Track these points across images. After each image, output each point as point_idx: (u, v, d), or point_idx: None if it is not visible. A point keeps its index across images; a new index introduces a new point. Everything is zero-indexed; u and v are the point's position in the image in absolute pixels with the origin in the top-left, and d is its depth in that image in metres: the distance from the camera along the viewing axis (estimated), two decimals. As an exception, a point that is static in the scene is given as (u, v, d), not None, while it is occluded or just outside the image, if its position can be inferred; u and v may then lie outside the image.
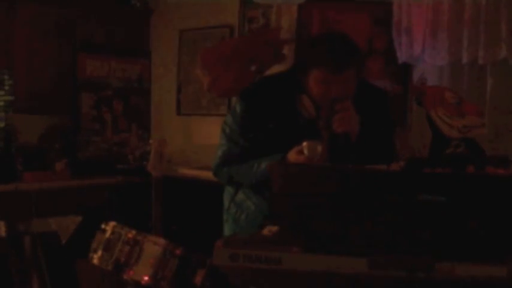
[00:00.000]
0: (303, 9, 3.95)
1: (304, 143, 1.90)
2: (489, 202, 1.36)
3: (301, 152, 1.91)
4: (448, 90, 2.13)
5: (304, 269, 1.38)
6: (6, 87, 4.38)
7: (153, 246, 1.49)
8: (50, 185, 4.23)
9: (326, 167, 1.82)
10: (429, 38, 3.53)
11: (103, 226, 1.57)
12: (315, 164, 1.86)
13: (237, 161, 2.15)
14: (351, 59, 1.97)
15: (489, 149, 2.08)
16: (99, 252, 1.53)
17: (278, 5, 4.12)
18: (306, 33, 3.96)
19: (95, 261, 1.53)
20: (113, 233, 1.54)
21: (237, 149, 2.16)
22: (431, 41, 3.53)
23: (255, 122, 2.11)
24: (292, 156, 1.96)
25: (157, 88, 5.24)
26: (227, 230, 2.31)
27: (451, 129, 1.97)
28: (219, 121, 4.68)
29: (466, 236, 1.36)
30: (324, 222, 1.40)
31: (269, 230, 1.64)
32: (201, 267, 1.45)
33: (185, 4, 4.91)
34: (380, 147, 2.05)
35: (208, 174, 4.29)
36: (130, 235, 1.52)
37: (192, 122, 4.96)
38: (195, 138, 4.90)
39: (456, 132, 1.96)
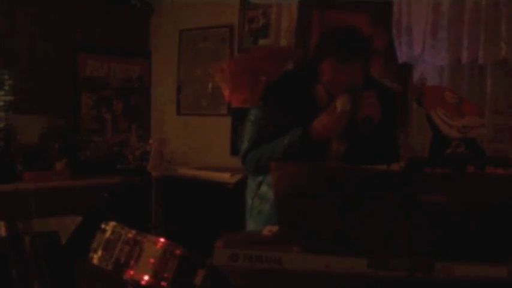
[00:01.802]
0: (303, 9, 3.95)
1: (339, 97, 2.12)
2: (489, 202, 1.36)
3: (331, 110, 2.12)
4: (448, 90, 2.14)
5: (304, 269, 1.38)
6: (6, 87, 4.38)
7: (153, 246, 1.49)
8: (50, 185, 4.23)
9: (326, 167, 1.82)
10: (429, 38, 3.53)
11: (103, 226, 1.57)
12: (315, 164, 1.86)
13: (263, 143, 2.27)
14: (358, 51, 2.12)
15: (489, 149, 2.08)
16: (99, 252, 1.53)
17: (278, 5, 4.12)
18: (306, 33, 3.96)
19: (95, 261, 1.53)
20: (113, 233, 1.54)
21: (263, 131, 2.29)
22: (431, 41, 3.53)
23: (277, 111, 2.26)
24: (321, 119, 2.14)
25: (157, 88, 5.23)
26: (251, 224, 2.41)
27: (451, 129, 1.97)
28: (219, 121, 4.74)
29: (466, 236, 1.36)
30: (324, 222, 1.40)
31: (269, 230, 1.64)
32: (201, 267, 1.45)
33: (185, 4, 4.91)
34: (386, 144, 2.20)
35: (208, 174, 4.33)
36: (130, 235, 1.52)
37: (192, 122, 4.96)
38: (195, 138, 4.90)
39: (456, 132, 1.96)
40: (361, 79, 2.16)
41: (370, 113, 2.11)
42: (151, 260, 1.47)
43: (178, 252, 1.47)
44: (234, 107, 4.39)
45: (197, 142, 4.87)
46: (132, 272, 1.48)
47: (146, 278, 1.46)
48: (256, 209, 2.37)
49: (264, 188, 2.34)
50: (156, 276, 1.46)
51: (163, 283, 1.45)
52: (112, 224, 1.56)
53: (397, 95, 2.73)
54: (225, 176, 4.10)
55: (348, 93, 2.12)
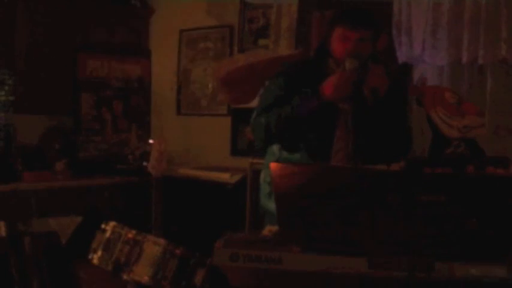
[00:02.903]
0: (302, 9, 3.95)
1: (348, 58, 2.17)
2: (489, 202, 1.36)
3: (340, 70, 2.18)
4: (448, 90, 2.13)
5: (304, 269, 1.38)
6: (6, 87, 4.38)
7: (153, 246, 1.49)
8: (50, 185, 4.23)
9: (326, 167, 1.82)
10: (429, 38, 3.53)
11: (103, 226, 1.57)
12: (314, 164, 1.86)
13: (274, 108, 2.29)
14: (368, 19, 2.22)
15: (489, 149, 2.08)
16: (99, 252, 1.53)
17: (278, 5, 4.12)
18: (306, 33, 3.96)
19: (95, 261, 1.53)
20: (113, 233, 1.54)
21: (275, 99, 2.30)
22: (431, 41, 3.53)
23: (294, 85, 2.29)
24: (330, 78, 2.18)
25: (157, 88, 5.23)
26: (269, 219, 2.35)
27: (451, 129, 1.97)
28: (219, 121, 4.74)
29: (466, 236, 1.36)
30: (324, 222, 1.40)
31: (269, 230, 1.64)
32: (201, 267, 1.45)
33: (185, 4, 4.91)
34: (394, 119, 2.25)
35: (208, 174, 4.33)
36: (130, 235, 1.52)
37: (192, 122, 4.96)
38: (195, 138, 4.90)
39: (456, 132, 1.96)
40: (369, 50, 2.22)
41: (377, 84, 2.16)
42: (151, 260, 1.47)
43: (178, 252, 1.47)
44: (233, 107, 4.43)
45: (197, 142, 4.87)
46: (132, 272, 1.48)
47: (146, 278, 1.46)
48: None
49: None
50: (156, 276, 1.46)
51: (163, 283, 1.45)
52: (112, 224, 1.56)
53: (405, 76, 2.82)
54: (225, 176, 4.10)
55: (356, 56, 2.17)
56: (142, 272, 1.46)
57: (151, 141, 2.64)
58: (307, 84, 2.24)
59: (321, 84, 2.19)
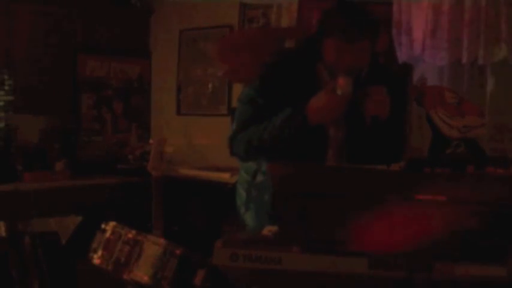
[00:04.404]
0: (303, 9, 3.95)
1: (341, 78, 1.89)
2: (489, 202, 1.36)
3: (330, 92, 1.90)
4: (448, 90, 2.13)
5: (304, 269, 1.38)
6: (6, 87, 4.38)
7: (153, 246, 1.49)
8: (50, 185, 4.23)
9: (326, 167, 1.82)
10: (429, 38, 3.53)
11: (103, 226, 1.56)
12: (315, 164, 1.86)
13: (253, 124, 2.06)
14: (365, 29, 1.95)
15: (489, 149, 2.08)
16: (99, 252, 1.53)
17: (278, 4, 4.12)
18: (306, 33, 3.95)
19: (95, 261, 1.53)
20: (113, 233, 1.53)
21: (256, 112, 2.06)
22: (431, 41, 3.53)
23: (274, 91, 2.05)
24: (318, 98, 1.92)
25: (157, 88, 5.23)
26: (250, 220, 2.26)
27: (451, 129, 1.96)
28: (219, 121, 4.74)
29: (466, 236, 1.36)
30: (324, 222, 1.40)
31: (269, 230, 1.64)
32: (201, 267, 1.45)
33: (185, 4, 4.91)
34: (392, 129, 2.03)
35: (208, 174, 4.33)
36: (130, 235, 1.52)
37: (192, 122, 4.96)
38: (195, 138, 4.90)
39: (456, 132, 1.96)
40: (367, 60, 2.00)
41: (378, 112, 1.94)
42: (151, 260, 1.47)
43: (178, 252, 1.47)
44: (233, 82, 4.38)
45: (197, 142, 4.87)
46: (132, 272, 1.48)
47: (146, 278, 1.46)
48: (254, 202, 2.22)
49: (260, 177, 2.19)
50: (156, 276, 1.46)
51: (163, 283, 1.45)
52: (112, 224, 1.56)
53: (406, 77, 2.57)
54: (225, 176, 4.10)
55: (350, 76, 1.90)
56: (142, 272, 1.46)
57: (151, 141, 2.64)
58: (291, 91, 2.01)
59: (308, 102, 1.92)
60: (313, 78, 2.04)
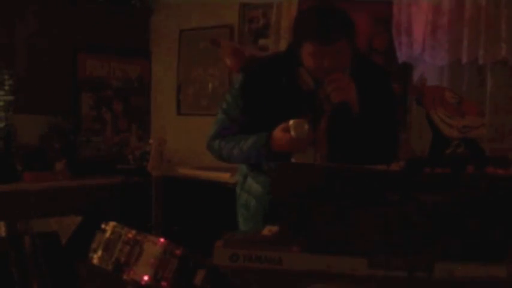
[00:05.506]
0: (303, 9, 3.95)
1: (290, 122, 1.88)
2: (489, 202, 1.36)
3: (287, 130, 1.90)
4: (448, 90, 2.13)
5: (304, 269, 1.38)
6: (6, 87, 4.38)
7: (153, 246, 1.49)
8: (50, 185, 4.23)
9: (326, 167, 1.82)
10: (429, 38, 3.53)
11: (103, 226, 1.56)
12: (314, 164, 1.86)
13: (230, 134, 2.13)
14: (340, 30, 1.92)
15: (489, 149, 2.07)
16: (99, 252, 1.53)
17: (278, 5, 4.12)
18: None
19: (95, 261, 1.53)
20: (113, 233, 1.53)
21: (232, 122, 2.14)
22: (431, 41, 3.53)
23: (254, 95, 2.08)
24: (277, 134, 1.94)
25: (157, 88, 5.23)
26: (241, 222, 2.27)
27: (451, 129, 1.96)
28: (219, 121, 4.72)
29: (466, 236, 1.36)
30: (324, 222, 1.40)
31: (269, 230, 1.64)
32: (201, 267, 1.45)
33: (185, 4, 4.91)
34: (381, 123, 2.01)
35: (208, 174, 4.32)
36: (130, 235, 1.52)
37: (192, 122, 4.96)
38: (195, 138, 4.90)
39: (456, 132, 1.96)
40: (347, 60, 1.97)
41: (343, 97, 1.92)
42: (151, 260, 1.47)
43: (178, 252, 1.47)
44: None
45: (197, 142, 4.84)
46: (132, 272, 1.48)
47: (146, 278, 1.46)
48: (243, 205, 2.22)
49: (249, 181, 2.19)
50: (156, 276, 1.46)
51: (163, 283, 1.45)
52: (112, 224, 1.56)
53: (389, 72, 2.54)
54: (225, 176, 4.10)
55: (304, 117, 1.89)
56: (142, 272, 1.46)
57: (151, 141, 2.65)
58: (271, 97, 2.03)
59: (294, 110, 1.95)
60: (295, 82, 2.02)
